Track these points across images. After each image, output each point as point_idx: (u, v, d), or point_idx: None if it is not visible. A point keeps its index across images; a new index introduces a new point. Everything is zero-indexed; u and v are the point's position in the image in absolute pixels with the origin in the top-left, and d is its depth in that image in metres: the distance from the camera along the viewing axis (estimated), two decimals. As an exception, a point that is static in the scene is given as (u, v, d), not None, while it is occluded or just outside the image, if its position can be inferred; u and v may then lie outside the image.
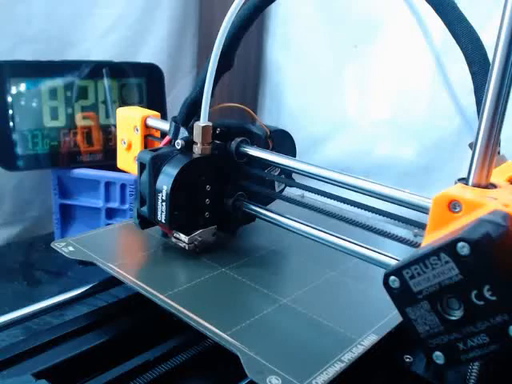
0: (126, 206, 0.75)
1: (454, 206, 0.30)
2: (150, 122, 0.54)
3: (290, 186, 0.52)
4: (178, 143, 0.47)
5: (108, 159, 0.80)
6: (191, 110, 0.49)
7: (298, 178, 0.49)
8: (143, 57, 0.89)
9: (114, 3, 0.86)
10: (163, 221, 0.46)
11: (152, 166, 0.45)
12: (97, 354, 0.43)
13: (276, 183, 0.55)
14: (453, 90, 0.76)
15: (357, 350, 0.37)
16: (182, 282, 0.45)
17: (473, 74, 0.39)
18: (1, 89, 0.72)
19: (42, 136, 0.75)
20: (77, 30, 0.82)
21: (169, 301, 0.42)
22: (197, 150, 0.46)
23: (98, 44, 0.85)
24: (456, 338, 0.28)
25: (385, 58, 0.84)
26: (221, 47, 0.44)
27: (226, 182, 0.49)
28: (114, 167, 0.77)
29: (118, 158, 0.59)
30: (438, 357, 0.29)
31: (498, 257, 0.25)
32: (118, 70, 0.81)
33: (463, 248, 0.26)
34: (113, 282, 0.52)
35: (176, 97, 0.98)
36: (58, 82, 0.76)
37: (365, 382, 0.41)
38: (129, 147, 0.56)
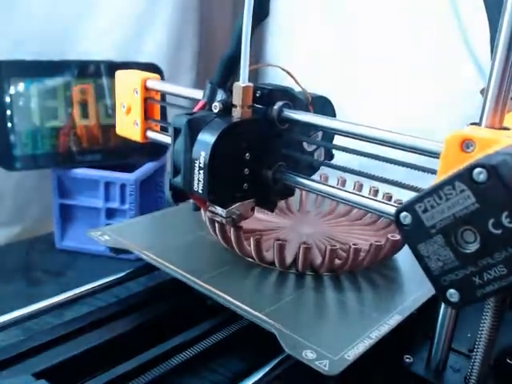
0: (126, 206, 0.75)
1: (466, 145, 0.29)
2: (150, 84, 0.52)
3: (331, 151, 0.51)
4: (216, 106, 0.42)
5: (108, 159, 0.80)
6: (228, 68, 0.44)
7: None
8: (143, 56, 0.89)
9: (114, 3, 0.86)
10: (200, 191, 0.41)
11: (188, 130, 0.41)
12: (97, 354, 0.43)
13: (316, 155, 0.51)
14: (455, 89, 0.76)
15: (383, 329, 0.40)
16: (212, 268, 0.48)
17: (489, 20, 0.39)
18: None
19: (41, 136, 0.75)
20: (77, 29, 0.82)
21: (206, 285, 0.44)
22: (236, 113, 0.42)
23: (97, 43, 0.85)
24: (472, 271, 0.27)
25: (387, 57, 0.84)
26: None
27: (266, 151, 0.44)
28: (113, 167, 0.78)
29: (117, 123, 0.56)
30: (452, 294, 0.28)
31: None
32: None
33: (480, 174, 0.24)
34: (112, 282, 0.52)
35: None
36: (58, 82, 0.76)
37: (365, 381, 0.41)
38: (128, 111, 0.53)
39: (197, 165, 0.41)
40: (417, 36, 0.81)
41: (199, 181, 0.41)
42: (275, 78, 0.49)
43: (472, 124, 0.32)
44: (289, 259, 0.48)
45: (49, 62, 0.75)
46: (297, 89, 0.47)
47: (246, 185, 0.44)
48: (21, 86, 0.73)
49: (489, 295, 0.27)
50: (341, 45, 0.89)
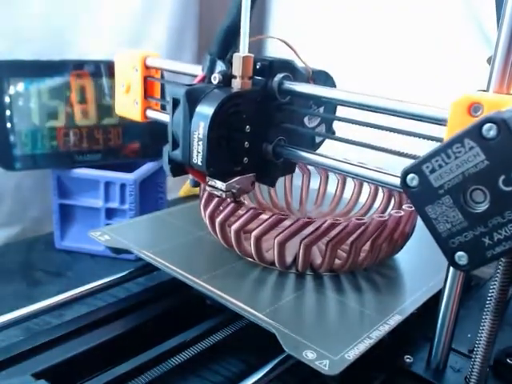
0: (126, 206, 0.75)
1: (475, 109, 0.28)
2: (150, 62, 0.51)
3: (332, 128, 0.50)
4: (215, 77, 0.42)
5: (108, 159, 0.79)
6: (228, 39, 0.43)
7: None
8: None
9: (114, 3, 0.86)
10: (199, 163, 0.40)
11: (187, 101, 0.40)
12: (97, 354, 0.43)
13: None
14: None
15: (383, 329, 0.40)
16: (212, 268, 0.48)
17: None
18: None
19: (41, 136, 0.75)
20: (76, 29, 0.82)
21: (206, 285, 0.44)
22: (236, 84, 0.41)
23: (96, 44, 0.85)
24: (481, 232, 0.26)
25: (389, 55, 0.84)
26: None
27: (266, 125, 0.43)
28: (113, 167, 0.78)
29: (116, 103, 0.55)
30: (461, 257, 0.27)
31: None
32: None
33: (490, 130, 0.24)
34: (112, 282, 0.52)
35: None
36: (57, 82, 0.76)
37: (365, 381, 0.41)
38: (128, 89, 0.52)
39: (196, 136, 0.40)
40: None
41: (198, 152, 0.40)
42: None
43: (479, 91, 0.31)
44: (289, 259, 0.48)
45: (48, 61, 0.75)
46: (298, 63, 0.46)
47: (246, 159, 0.43)
48: (20, 86, 0.73)
49: (499, 256, 0.26)
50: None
